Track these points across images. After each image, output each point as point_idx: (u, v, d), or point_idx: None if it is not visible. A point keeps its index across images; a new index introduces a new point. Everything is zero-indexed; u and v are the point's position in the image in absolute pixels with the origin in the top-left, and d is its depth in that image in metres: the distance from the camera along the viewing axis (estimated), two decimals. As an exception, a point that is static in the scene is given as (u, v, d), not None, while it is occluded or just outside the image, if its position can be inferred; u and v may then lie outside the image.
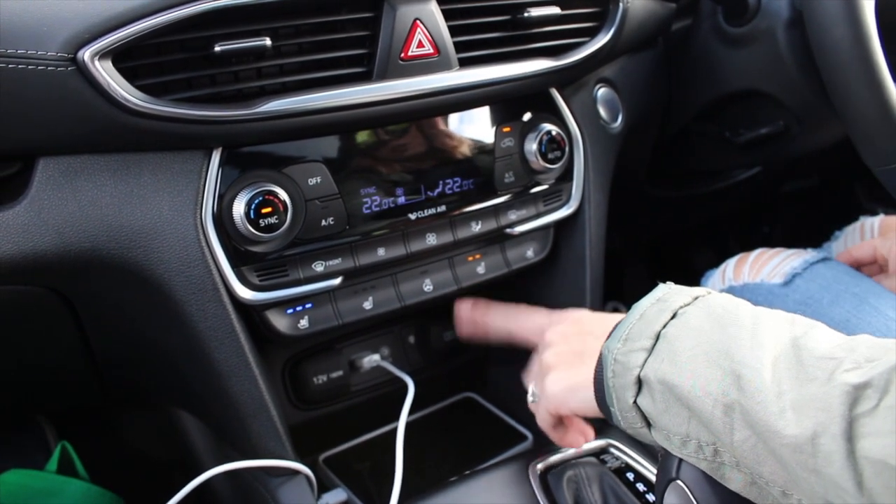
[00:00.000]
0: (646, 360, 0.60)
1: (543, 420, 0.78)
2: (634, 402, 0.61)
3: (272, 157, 0.77)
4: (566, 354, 0.74)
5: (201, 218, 0.74)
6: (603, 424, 0.84)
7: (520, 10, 0.85)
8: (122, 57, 0.66)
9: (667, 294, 0.64)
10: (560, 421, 0.79)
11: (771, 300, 0.99)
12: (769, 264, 1.03)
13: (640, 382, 0.60)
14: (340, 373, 1.01)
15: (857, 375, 0.50)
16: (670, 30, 1.12)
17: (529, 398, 0.81)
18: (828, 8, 0.84)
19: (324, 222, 0.79)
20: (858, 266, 1.05)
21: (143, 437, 1.24)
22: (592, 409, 0.67)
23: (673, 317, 0.61)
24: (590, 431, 0.82)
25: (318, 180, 0.78)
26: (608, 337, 0.65)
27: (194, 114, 0.69)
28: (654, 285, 0.67)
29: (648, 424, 0.62)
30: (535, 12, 0.85)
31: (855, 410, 0.49)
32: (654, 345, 0.60)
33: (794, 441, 0.50)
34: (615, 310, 1.31)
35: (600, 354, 0.65)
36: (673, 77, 1.16)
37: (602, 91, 1.01)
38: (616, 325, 0.65)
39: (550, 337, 0.78)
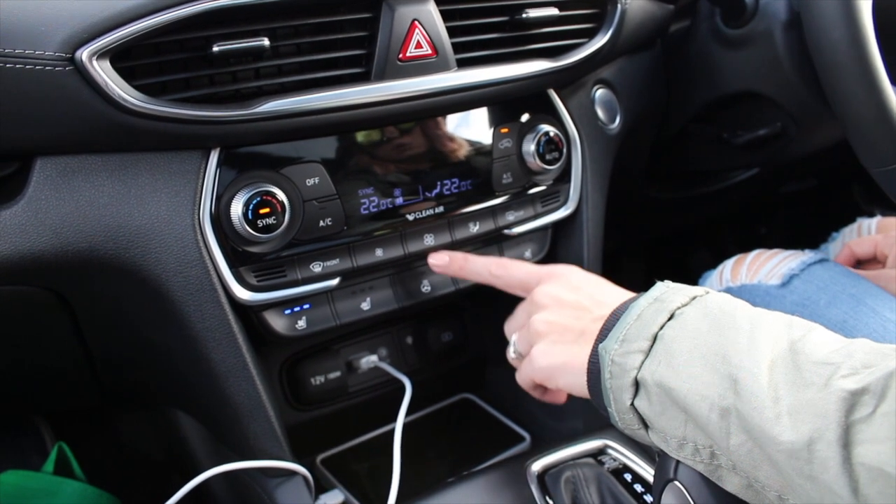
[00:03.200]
0: (643, 362, 0.60)
1: (525, 382, 0.78)
2: (632, 404, 0.61)
3: (270, 158, 0.77)
4: (558, 326, 0.73)
5: (199, 218, 0.74)
6: (600, 424, 0.84)
7: (518, 11, 0.85)
8: (119, 57, 0.66)
9: (664, 294, 0.64)
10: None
11: (768, 301, 0.99)
12: (766, 265, 1.03)
13: (637, 384, 0.60)
14: (338, 373, 1.01)
15: (854, 381, 0.49)
16: (668, 31, 1.12)
17: (511, 354, 0.80)
18: (825, 10, 0.84)
19: (321, 223, 0.79)
20: (858, 262, 1.05)
21: (141, 437, 1.24)
22: (580, 390, 0.67)
23: (670, 318, 0.61)
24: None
25: (316, 181, 0.78)
26: (602, 336, 0.64)
27: (192, 114, 0.69)
28: (652, 286, 0.67)
29: (646, 426, 0.61)
30: (534, 13, 0.85)
31: (851, 417, 0.48)
32: (652, 346, 0.60)
33: (789, 447, 0.50)
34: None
35: (596, 351, 0.64)
36: (671, 78, 1.16)
37: (600, 92, 1.01)
38: (614, 325, 0.64)
39: (541, 298, 0.76)
